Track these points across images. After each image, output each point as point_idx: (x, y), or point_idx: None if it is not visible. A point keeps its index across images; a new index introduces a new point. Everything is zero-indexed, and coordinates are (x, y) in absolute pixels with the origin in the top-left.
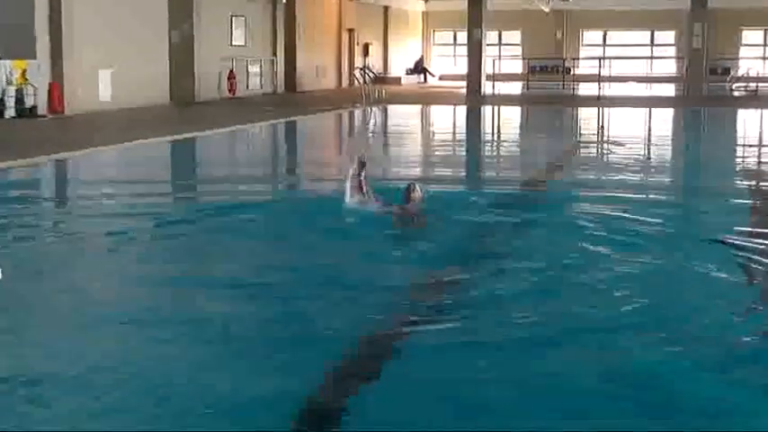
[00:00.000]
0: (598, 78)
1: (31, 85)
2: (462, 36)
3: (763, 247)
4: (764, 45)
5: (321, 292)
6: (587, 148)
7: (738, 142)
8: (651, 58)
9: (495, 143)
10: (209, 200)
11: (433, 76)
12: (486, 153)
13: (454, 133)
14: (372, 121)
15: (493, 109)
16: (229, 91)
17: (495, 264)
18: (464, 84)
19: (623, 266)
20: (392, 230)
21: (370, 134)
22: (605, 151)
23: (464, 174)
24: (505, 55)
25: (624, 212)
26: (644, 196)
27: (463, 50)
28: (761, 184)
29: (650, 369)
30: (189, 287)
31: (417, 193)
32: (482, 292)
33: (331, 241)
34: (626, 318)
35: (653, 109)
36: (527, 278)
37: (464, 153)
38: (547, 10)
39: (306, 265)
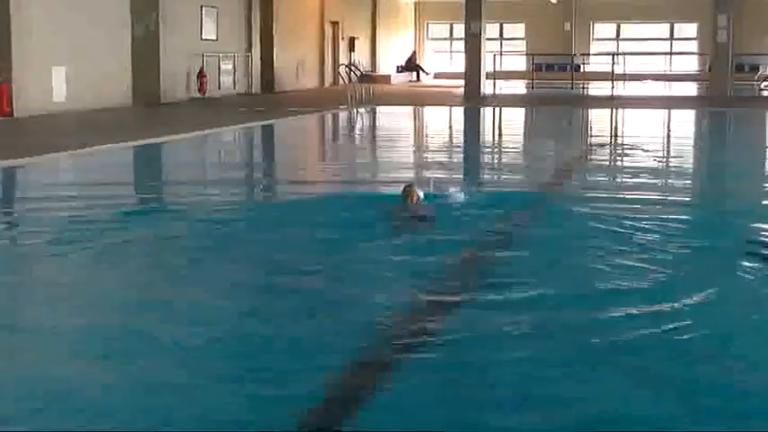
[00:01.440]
0: (611, 77)
1: None
2: (459, 29)
3: None
4: None
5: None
6: (599, 155)
7: None
8: (670, 53)
9: (496, 150)
10: (164, 216)
11: (427, 73)
12: (486, 161)
13: (450, 138)
14: (359, 125)
15: (494, 111)
16: (199, 90)
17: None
18: (461, 83)
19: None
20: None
21: (357, 139)
22: (620, 158)
23: (461, 184)
24: (507, 50)
25: (643, 227)
26: (664, 207)
27: (460, 45)
28: None
29: None
30: (136, 308)
31: (416, 193)
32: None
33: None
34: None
35: (672, 111)
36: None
37: (461, 161)
38: (554, 0)
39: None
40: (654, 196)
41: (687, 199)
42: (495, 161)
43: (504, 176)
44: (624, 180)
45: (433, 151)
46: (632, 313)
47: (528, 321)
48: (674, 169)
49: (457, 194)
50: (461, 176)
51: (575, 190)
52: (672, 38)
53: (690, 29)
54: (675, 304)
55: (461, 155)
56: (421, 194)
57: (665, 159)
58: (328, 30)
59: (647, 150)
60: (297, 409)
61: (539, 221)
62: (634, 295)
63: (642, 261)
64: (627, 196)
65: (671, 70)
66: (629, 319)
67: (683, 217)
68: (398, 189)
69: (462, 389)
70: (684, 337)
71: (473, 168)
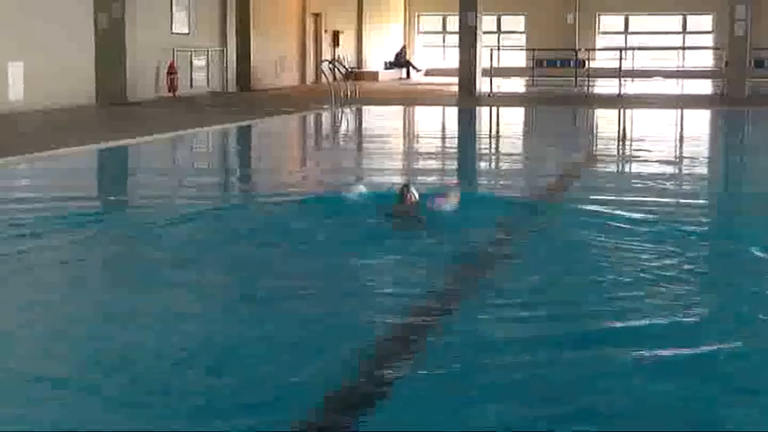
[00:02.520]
0: (618, 73)
1: None
2: (453, 21)
3: None
4: None
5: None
6: (606, 160)
7: None
8: (683, 48)
9: (493, 153)
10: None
11: (418, 70)
12: (482, 167)
13: (443, 140)
14: (343, 127)
15: (490, 111)
16: (169, 89)
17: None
18: (455, 80)
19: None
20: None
21: (341, 142)
22: (628, 163)
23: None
24: (506, 45)
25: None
26: (678, 219)
27: (454, 39)
28: None
29: None
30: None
31: (413, 194)
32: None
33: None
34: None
35: (685, 111)
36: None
37: (454, 165)
38: None
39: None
40: (664, 205)
41: (702, 210)
42: (492, 167)
43: (501, 182)
44: (632, 186)
45: (423, 156)
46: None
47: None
48: (687, 175)
49: (451, 200)
50: (454, 183)
51: (577, 198)
52: (685, 31)
53: (704, 21)
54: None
55: (454, 160)
56: (416, 195)
57: (677, 164)
58: (310, 23)
59: (652, 151)
60: None
61: (537, 232)
62: (634, 333)
63: (648, 283)
64: (633, 205)
65: (684, 66)
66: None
67: (698, 229)
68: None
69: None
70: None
71: (467, 175)
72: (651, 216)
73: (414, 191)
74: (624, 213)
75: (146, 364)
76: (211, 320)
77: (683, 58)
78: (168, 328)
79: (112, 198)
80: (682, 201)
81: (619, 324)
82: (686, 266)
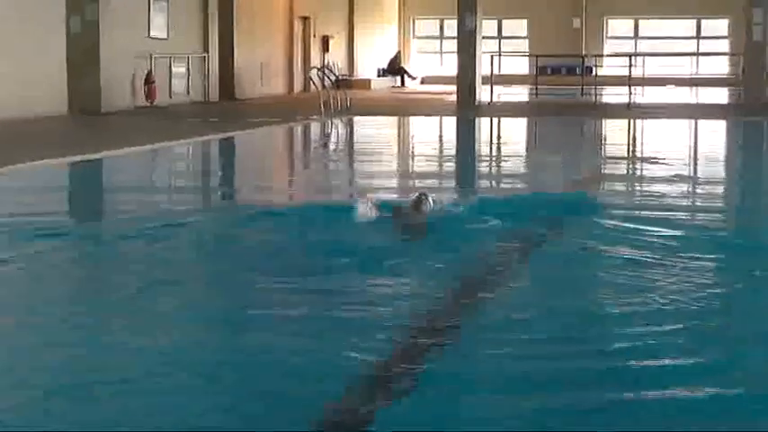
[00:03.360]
0: (628, 81)
1: None
2: (451, 26)
3: None
4: None
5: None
6: (616, 176)
7: None
8: (697, 54)
9: (496, 168)
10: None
11: (414, 78)
12: (482, 183)
13: (441, 154)
14: (334, 138)
15: (491, 122)
16: (147, 98)
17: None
18: (453, 89)
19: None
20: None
21: (331, 155)
22: (641, 180)
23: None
24: (507, 51)
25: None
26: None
27: (452, 45)
28: None
29: None
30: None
31: (429, 204)
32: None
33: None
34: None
35: (699, 121)
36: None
37: (452, 182)
38: None
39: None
40: (681, 224)
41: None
42: (494, 182)
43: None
44: (647, 204)
45: (420, 175)
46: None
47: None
48: (701, 191)
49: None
50: (454, 198)
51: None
52: (699, 36)
53: (720, 25)
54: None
55: (454, 178)
56: (431, 203)
57: (698, 183)
58: (298, 27)
59: (671, 165)
60: None
61: (542, 254)
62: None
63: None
64: (650, 226)
65: (698, 74)
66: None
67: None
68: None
69: None
70: None
71: (470, 192)
72: (678, 242)
73: (431, 201)
74: (649, 237)
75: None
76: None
77: (697, 65)
78: (139, 352)
79: (72, 217)
80: (716, 228)
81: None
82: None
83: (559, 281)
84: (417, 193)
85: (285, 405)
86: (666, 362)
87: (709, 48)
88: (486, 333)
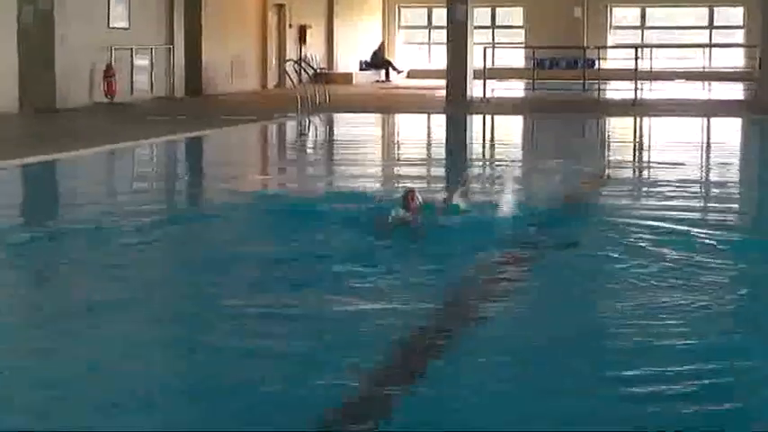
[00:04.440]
0: (634, 75)
1: None
2: (440, 15)
3: None
4: None
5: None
6: (621, 179)
7: None
8: (709, 45)
9: (488, 171)
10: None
11: (399, 71)
12: (481, 189)
13: (429, 156)
14: (311, 138)
15: (484, 120)
16: (107, 94)
17: None
18: (442, 83)
19: None
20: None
21: (308, 157)
22: (647, 183)
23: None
24: (502, 42)
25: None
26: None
27: (441, 35)
28: None
29: None
30: None
31: (417, 200)
32: None
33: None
34: None
35: (711, 119)
36: None
37: (441, 188)
38: None
39: None
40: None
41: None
42: (487, 186)
43: (498, 205)
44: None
45: (406, 178)
46: None
47: None
48: (718, 202)
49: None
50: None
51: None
52: (711, 26)
53: (734, 14)
54: None
55: (445, 181)
56: (419, 200)
57: (703, 183)
58: (272, 16)
59: (686, 165)
60: None
61: (542, 265)
62: None
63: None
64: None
65: (710, 67)
66: None
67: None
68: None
69: None
70: None
71: (458, 193)
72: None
73: (418, 196)
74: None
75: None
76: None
77: (710, 58)
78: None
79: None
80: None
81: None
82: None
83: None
84: (406, 191)
85: None
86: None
87: (722, 39)
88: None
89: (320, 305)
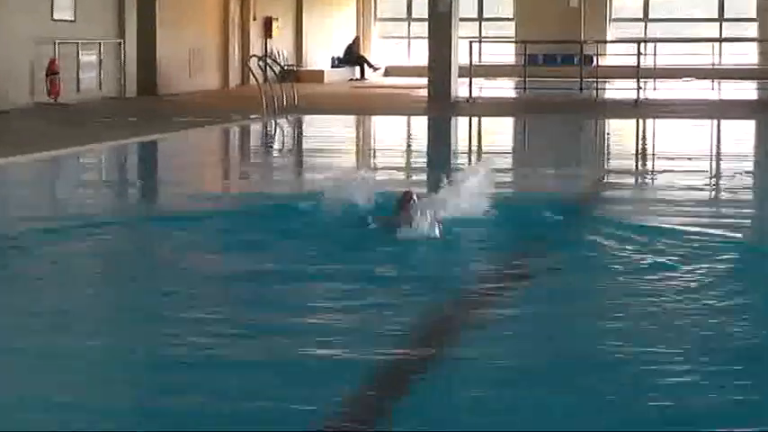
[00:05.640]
0: (636, 73)
1: None
2: (421, 6)
3: None
4: None
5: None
6: (621, 187)
7: None
8: (719, 40)
9: (473, 182)
10: None
11: (375, 68)
12: (462, 198)
13: (407, 164)
14: (278, 143)
15: (470, 123)
16: (50, 94)
17: None
18: (424, 81)
19: None
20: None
21: (273, 165)
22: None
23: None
24: (490, 36)
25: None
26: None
27: (422, 29)
28: None
29: None
30: None
31: (414, 202)
32: None
33: None
34: None
35: (721, 121)
36: None
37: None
38: None
39: None
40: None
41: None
42: (474, 197)
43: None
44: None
45: (388, 184)
46: None
47: None
48: (725, 207)
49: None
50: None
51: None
52: (722, 18)
53: (746, 5)
54: None
55: (430, 191)
56: (416, 204)
57: (712, 191)
58: (235, 7)
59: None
60: None
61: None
62: None
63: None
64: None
65: (720, 64)
66: None
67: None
68: None
69: None
70: None
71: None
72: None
73: (416, 199)
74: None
75: None
76: None
77: (720, 54)
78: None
79: None
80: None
81: None
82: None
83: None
84: (403, 192)
85: None
86: None
87: (733, 32)
88: None
89: (270, 321)
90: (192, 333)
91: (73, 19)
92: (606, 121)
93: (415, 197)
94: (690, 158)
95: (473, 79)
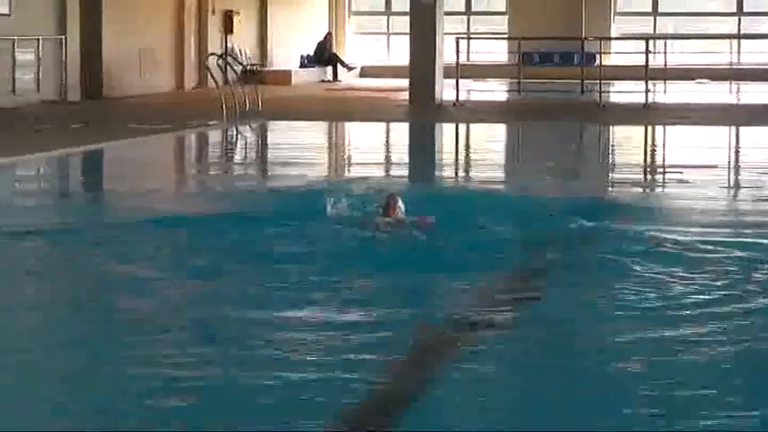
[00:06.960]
0: (645, 74)
1: None
2: None
3: None
4: None
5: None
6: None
7: None
8: (738, 37)
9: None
10: None
11: (350, 68)
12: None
13: (386, 176)
14: (239, 152)
15: (456, 130)
16: None
17: None
18: (405, 83)
19: None
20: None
21: (233, 180)
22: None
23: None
24: (480, 32)
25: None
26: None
27: (403, 24)
28: None
29: None
30: None
31: (399, 206)
32: None
33: None
34: None
35: (741, 128)
36: None
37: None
38: None
39: None
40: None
41: None
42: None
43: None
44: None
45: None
46: None
47: None
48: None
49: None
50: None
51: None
52: (740, 12)
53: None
54: None
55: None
56: (401, 208)
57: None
58: (191, 1)
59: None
60: None
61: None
62: None
63: None
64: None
65: (738, 63)
66: None
67: None
68: None
69: None
70: None
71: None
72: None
73: (400, 203)
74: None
75: None
76: None
77: (738, 52)
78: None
79: None
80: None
81: None
82: None
83: None
84: (387, 195)
85: None
86: None
87: (752, 27)
88: None
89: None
90: None
91: (8, 12)
92: (611, 128)
93: (400, 201)
94: (711, 167)
95: (460, 81)
